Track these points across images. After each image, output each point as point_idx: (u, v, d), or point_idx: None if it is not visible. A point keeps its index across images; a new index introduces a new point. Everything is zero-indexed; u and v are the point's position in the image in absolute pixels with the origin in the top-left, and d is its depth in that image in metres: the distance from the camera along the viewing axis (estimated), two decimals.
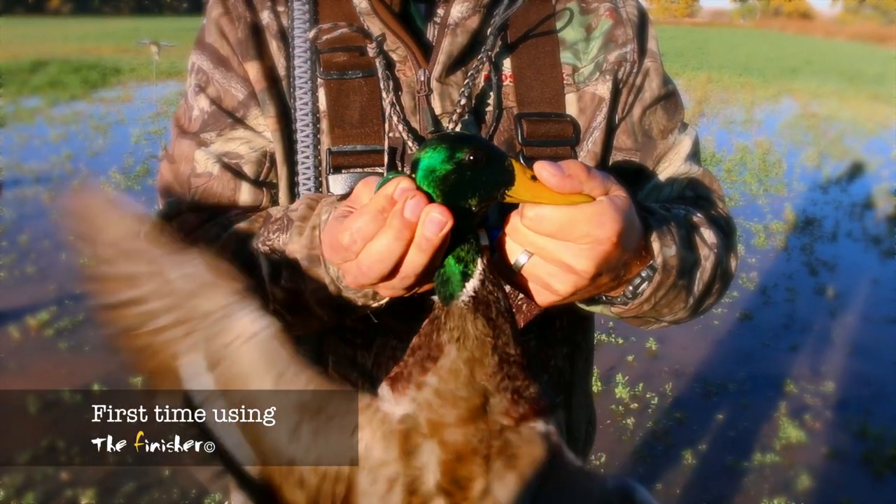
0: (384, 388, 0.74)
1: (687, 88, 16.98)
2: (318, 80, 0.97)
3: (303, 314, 0.88)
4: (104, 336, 0.78)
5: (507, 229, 0.73)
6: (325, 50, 0.96)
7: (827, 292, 5.49)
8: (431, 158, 0.67)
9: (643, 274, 0.82)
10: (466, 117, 0.95)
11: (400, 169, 0.93)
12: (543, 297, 0.75)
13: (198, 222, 0.98)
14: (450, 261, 0.70)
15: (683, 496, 3.14)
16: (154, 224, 0.99)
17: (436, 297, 0.73)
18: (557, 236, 0.70)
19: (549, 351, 1.02)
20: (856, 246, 6.69)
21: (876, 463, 3.41)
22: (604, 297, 0.85)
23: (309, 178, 0.95)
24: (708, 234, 0.94)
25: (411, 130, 0.94)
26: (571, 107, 1.00)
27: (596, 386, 3.82)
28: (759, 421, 3.72)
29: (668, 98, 1.07)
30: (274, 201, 1.01)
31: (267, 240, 0.89)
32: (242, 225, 0.94)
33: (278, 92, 0.98)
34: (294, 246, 0.86)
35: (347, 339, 0.97)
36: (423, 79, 0.95)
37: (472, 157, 0.67)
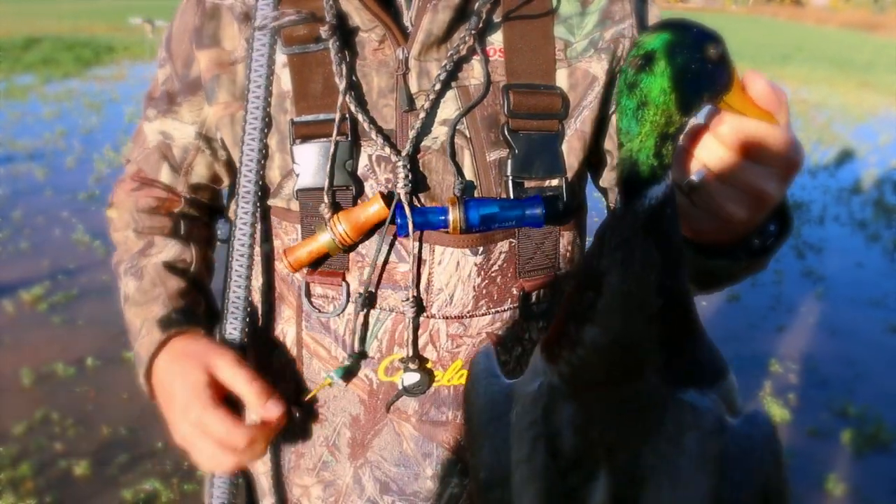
0: (537, 355, 0.69)
1: None
2: (282, 56, 0.95)
3: None
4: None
5: (687, 140, 0.68)
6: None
7: (813, 275, 5.56)
8: (683, 37, 0.61)
9: (771, 227, 0.78)
10: (446, 94, 0.93)
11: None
12: (706, 224, 0.71)
13: (127, 190, 1.09)
14: (647, 146, 0.61)
15: None
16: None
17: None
18: (753, 153, 0.65)
19: (524, 324, 1.00)
20: (842, 230, 6.74)
21: (857, 441, 3.47)
22: (735, 249, 0.78)
23: (252, 150, 0.95)
24: None
25: (363, 108, 0.92)
26: (562, 82, 0.96)
27: None
28: (744, 399, 3.67)
29: None
30: (196, 187, 1.10)
31: (129, 269, 1.05)
32: (131, 237, 1.07)
33: (233, 76, 0.98)
34: (130, 315, 1.03)
35: (319, 307, 0.99)
36: (401, 58, 0.92)
37: (717, 51, 0.62)
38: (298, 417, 1.04)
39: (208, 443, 0.89)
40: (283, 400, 0.91)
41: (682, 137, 0.68)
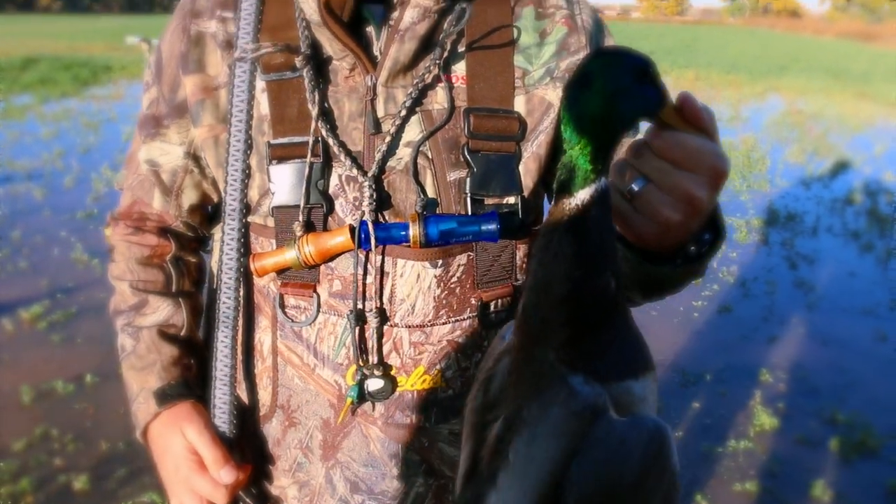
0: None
1: (674, 86, 16.91)
2: (261, 81, 1.02)
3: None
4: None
5: (629, 153, 0.75)
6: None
7: (805, 285, 5.61)
8: (617, 61, 0.69)
9: (706, 236, 0.84)
10: (411, 118, 1.00)
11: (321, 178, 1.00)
12: (646, 227, 0.76)
13: (123, 234, 1.17)
14: (585, 153, 0.68)
15: None
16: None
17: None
18: (684, 164, 0.72)
19: (483, 332, 1.06)
20: (835, 241, 6.80)
21: (845, 448, 3.52)
22: (674, 256, 0.84)
23: (237, 170, 1.02)
24: None
25: (334, 132, 0.99)
26: (520, 107, 1.02)
27: None
28: (734, 409, 3.82)
29: None
30: (191, 209, 1.16)
31: (126, 326, 1.15)
32: (128, 292, 1.16)
33: (217, 101, 1.05)
34: (128, 375, 1.14)
35: (293, 317, 1.05)
36: (369, 84, 0.99)
37: (650, 70, 0.69)
38: (274, 426, 1.10)
39: (195, 499, 1.08)
40: (236, 467, 1.07)
41: (624, 151, 0.76)
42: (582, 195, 0.68)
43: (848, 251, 6.54)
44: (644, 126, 0.76)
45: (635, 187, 0.74)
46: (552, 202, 0.70)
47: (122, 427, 3.31)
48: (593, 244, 0.68)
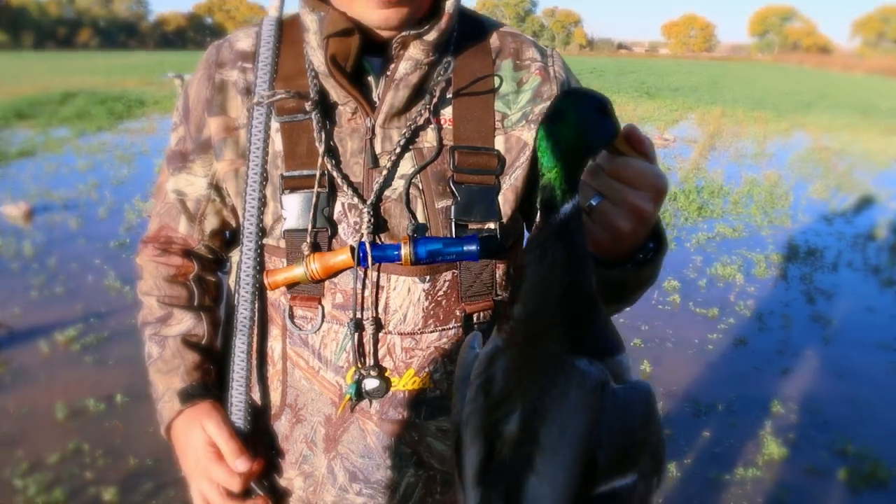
0: (495, 331, 0.87)
1: (699, 123, 17.15)
2: (276, 123, 1.16)
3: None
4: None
5: (586, 175, 0.87)
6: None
7: (822, 319, 5.64)
8: (584, 99, 0.81)
9: (651, 245, 0.97)
10: (404, 154, 1.14)
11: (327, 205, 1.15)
12: (602, 236, 0.89)
13: (151, 255, 1.32)
14: (561, 176, 0.79)
15: None
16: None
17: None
18: (633, 182, 0.85)
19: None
20: (855, 276, 6.80)
21: (854, 479, 3.56)
22: (626, 263, 0.97)
23: (253, 199, 1.16)
24: None
25: (338, 166, 1.15)
26: (499, 146, 1.17)
27: None
28: (744, 438, 3.88)
29: None
30: (212, 234, 1.31)
31: (153, 335, 1.28)
32: (154, 305, 1.30)
33: (237, 139, 1.20)
34: (154, 378, 1.27)
35: (300, 326, 1.18)
36: (368, 125, 1.14)
37: (608, 107, 0.81)
38: (283, 423, 1.24)
39: (213, 486, 1.20)
40: (250, 458, 1.19)
41: (584, 173, 0.89)
42: (564, 210, 0.79)
43: (868, 286, 6.54)
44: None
45: (593, 202, 0.87)
46: (538, 218, 0.83)
47: (150, 444, 3.47)
48: (578, 249, 0.80)
